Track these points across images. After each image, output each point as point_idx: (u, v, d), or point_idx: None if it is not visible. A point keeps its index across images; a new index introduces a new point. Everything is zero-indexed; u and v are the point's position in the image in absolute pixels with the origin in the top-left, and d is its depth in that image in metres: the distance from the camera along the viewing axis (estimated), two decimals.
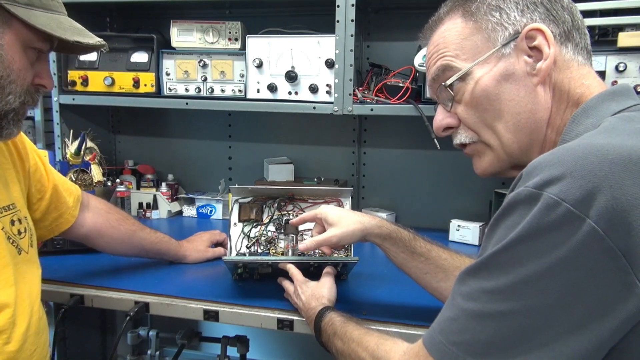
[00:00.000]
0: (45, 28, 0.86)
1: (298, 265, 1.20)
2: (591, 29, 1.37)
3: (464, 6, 0.80)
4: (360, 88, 1.69)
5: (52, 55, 1.76)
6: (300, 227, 1.32)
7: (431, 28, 0.85)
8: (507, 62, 0.76)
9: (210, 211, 2.03)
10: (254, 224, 1.32)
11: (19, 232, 0.99)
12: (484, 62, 0.77)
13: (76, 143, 1.65)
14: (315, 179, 1.92)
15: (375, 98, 1.62)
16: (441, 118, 0.84)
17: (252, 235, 1.32)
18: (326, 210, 1.11)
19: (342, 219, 1.08)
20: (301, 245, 1.10)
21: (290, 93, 1.64)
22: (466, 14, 0.80)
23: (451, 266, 1.04)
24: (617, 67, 1.38)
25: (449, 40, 0.80)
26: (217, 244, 1.54)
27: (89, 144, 1.71)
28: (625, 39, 1.35)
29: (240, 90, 1.70)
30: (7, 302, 0.91)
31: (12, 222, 0.98)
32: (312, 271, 1.21)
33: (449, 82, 0.80)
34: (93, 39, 0.94)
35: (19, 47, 0.87)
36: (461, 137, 0.84)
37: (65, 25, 0.91)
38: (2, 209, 0.96)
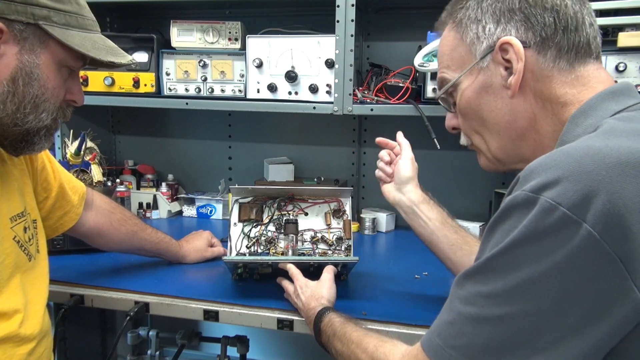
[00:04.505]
0: (80, 49, 0.87)
1: (298, 265, 1.20)
2: None
3: (452, 16, 0.81)
4: (360, 88, 1.69)
5: None
6: (300, 228, 1.32)
7: (439, 28, 0.86)
8: (486, 75, 0.76)
9: (210, 211, 2.03)
10: (254, 224, 1.32)
11: (29, 239, 0.99)
12: (468, 74, 0.78)
13: (76, 143, 1.65)
14: (315, 179, 1.92)
15: (375, 98, 1.62)
16: (448, 119, 0.88)
17: (252, 235, 1.32)
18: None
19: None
20: None
21: (290, 93, 1.64)
22: (453, 25, 0.80)
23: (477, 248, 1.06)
24: (617, 67, 1.38)
25: (442, 51, 0.83)
26: (212, 246, 1.53)
27: (89, 144, 1.70)
28: (625, 39, 1.35)
29: (240, 90, 1.70)
30: (17, 308, 0.92)
31: (25, 230, 0.98)
32: (312, 271, 1.21)
33: (441, 93, 0.84)
34: (125, 58, 0.97)
35: (54, 66, 0.88)
36: (462, 140, 0.88)
37: (99, 44, 0.92)
38: (16, 216, 0.96)
